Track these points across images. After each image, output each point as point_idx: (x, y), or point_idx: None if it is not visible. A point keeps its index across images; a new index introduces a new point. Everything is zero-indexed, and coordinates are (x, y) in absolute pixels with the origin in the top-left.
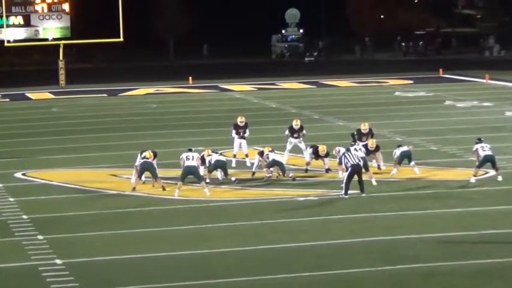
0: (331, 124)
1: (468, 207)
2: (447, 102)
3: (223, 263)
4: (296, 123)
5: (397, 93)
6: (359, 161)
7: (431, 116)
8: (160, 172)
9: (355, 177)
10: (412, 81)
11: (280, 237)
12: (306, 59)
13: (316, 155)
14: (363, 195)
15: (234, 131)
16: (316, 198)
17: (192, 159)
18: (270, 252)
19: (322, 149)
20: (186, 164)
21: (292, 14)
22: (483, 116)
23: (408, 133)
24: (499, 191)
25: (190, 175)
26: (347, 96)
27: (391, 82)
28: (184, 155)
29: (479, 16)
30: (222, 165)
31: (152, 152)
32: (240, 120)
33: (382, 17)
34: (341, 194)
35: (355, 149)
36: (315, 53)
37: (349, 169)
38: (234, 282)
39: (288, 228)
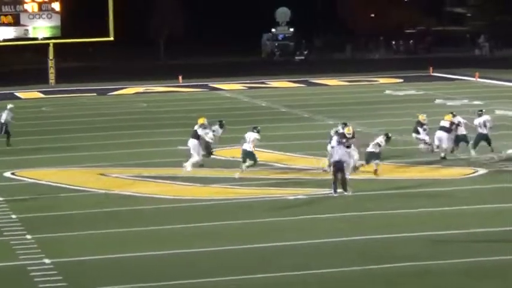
0: (321, 123)
1: (458, 205)
2: (437, 101)
3: (212, 262)
4: (423, 118)
5: (387, 92)
6: (339, 159)
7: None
8: (150, 171)
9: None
10: (402, 80)
11: (270, 235)
12: (296, 57)
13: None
14: (345, 193)
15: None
16: (305, 196)
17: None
18: (258, 251)
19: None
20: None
21: (283, 13)
22: (473, 114)
23: (398, 132)
24: (489, 189)
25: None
26: (337, 95)
27: (381, 81)
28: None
29: (469, 15)
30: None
31: None
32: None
33: (373, 15)
34: (331, 193)
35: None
36: (305, 52)
37: (331, 167)
38: (222, 281)
39: (278, 227)
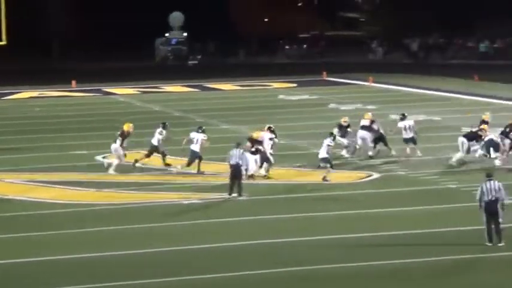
0: (215, 127)
1: (353, 209)
2: (331, 105)
3: (111, 267)
4: (345, 120)
5: (281, 97)
6: (236, 162)
7: (316, 119)
8: (37, 176)
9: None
10: (296, 85)
11: (162, 240)
12: (190, 62)
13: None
14: (239, 198)
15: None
16: (200, 201)
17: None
18: (152, 256)
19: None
20: None
21: (176, 17)
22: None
23: (293, 136)
24: (383, 193)
25: None
26: (231, 100)
27: (275, 85)
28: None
29: (363, 19)
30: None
31: None
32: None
33: (266, 20)
34: (226, 197)
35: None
36: (199, 57)
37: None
38: (111, 287)
39: (171, 231)
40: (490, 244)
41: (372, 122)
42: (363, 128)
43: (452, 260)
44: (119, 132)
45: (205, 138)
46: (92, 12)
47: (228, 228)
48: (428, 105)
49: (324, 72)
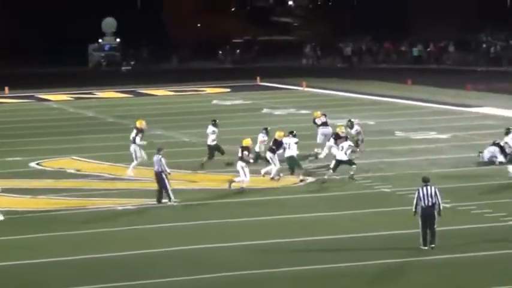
0: (148, 133)
1: (285, 214)
2: (264, 110)
3: (48, 273)
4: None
5: (214, 102)
6: (157, 169)
7: (249, 124)
8: None
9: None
10: (229, 90)
11: (94, 246)
12: (123, 68)
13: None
14: (169, 203)
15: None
16: (134, 207)
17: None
18: (86, 262)
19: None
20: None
21: (109, 23)
22: (300, 123)
23: (226, 141)
24: (313, 198)
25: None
26: (164, 105)
27: (209, 90)
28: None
29: (296, 24)
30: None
31: None
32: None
33: (199, 25)
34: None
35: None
36: (132, 62)
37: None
38: None
39: (105, 238)
40: (425, 248)
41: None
42: (324, 124)
43: (386, 263)
44: (133, 134)
45: (297, 141)
46: (25, 18)
47: (158, 234)
48: (362, 109)
49: (258, 77)
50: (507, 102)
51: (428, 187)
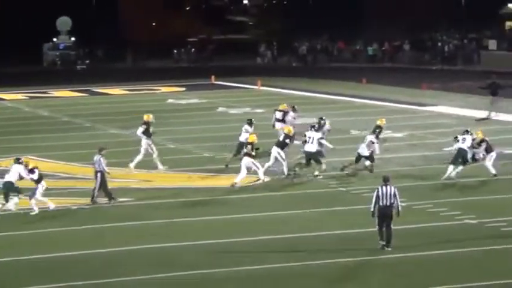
0: (103, 132)
1: (239, 213)
2: (220, 109)
3: (1, 273)
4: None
5: (169, 101)
6: (97, 167)
7: (204, 123)
8: None
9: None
10: (185, 89)
11: (48, 245)
12: (78, 67)
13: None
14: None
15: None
16: (88, 206)
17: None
18: (41, 261)
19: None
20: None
21: (64, 22)
22: (256, 122)
23: (182, 140)
24: (267, 197)
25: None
26: (119, 104)
27: (164, 89)
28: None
29: (251, 23)
30: None
31: None
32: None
33: (154, 24)
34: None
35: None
36: (87, 61)
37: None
38: None
39: (60, 237)
40: (382, 242)
41: (285, 113)
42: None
43: (342, 262)
44: (141, 129)
45: (322, 137)
46: None
47: (110, 234)
48: (317, 108)
49: (213, 76)
50: (461, 101)
51: (388, 187)
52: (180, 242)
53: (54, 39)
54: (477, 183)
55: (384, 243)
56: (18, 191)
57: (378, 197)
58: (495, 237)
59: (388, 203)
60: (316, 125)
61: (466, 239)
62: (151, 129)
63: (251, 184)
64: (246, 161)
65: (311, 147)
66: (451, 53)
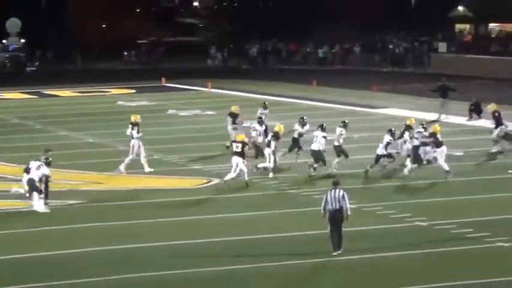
0: (53, 134)
1: (192, 215)
2: (170, 111)
3: None
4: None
5: (119, 103)
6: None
7: (155, 125)
8: None
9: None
10: (134, 91)
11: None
12: (28, 68)
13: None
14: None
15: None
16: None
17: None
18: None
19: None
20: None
21: (13, 23)
22: (206, 124)
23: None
24: (219, 199)
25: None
26: (69, 106)
27: (113, 91)
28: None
29: (202, 25)
30: None
31: None
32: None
33: (104, 26)
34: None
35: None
36: (37, 63)
37: None
38: None
39: (13, 239)
40: (335, 254)
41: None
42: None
43: (296, 264)
44: (129, 129)
45: (326, 136)
46: None
47: (63, 235)
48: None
49: (163, 78)
50: (411, 103)
51: (337, 190)
52: (143, 243)
53: (4, 41)
54: (427, 185)
55: (335, 253)
56: None
57: (326, 201)
58: (445, 240)
59: (337, 207)
60: (301, 125)
61: (417, 241)
62: (136, 130)
63: (202, 186)
64: (237, 160)
65: (315, 145)
66: (401, 55)
